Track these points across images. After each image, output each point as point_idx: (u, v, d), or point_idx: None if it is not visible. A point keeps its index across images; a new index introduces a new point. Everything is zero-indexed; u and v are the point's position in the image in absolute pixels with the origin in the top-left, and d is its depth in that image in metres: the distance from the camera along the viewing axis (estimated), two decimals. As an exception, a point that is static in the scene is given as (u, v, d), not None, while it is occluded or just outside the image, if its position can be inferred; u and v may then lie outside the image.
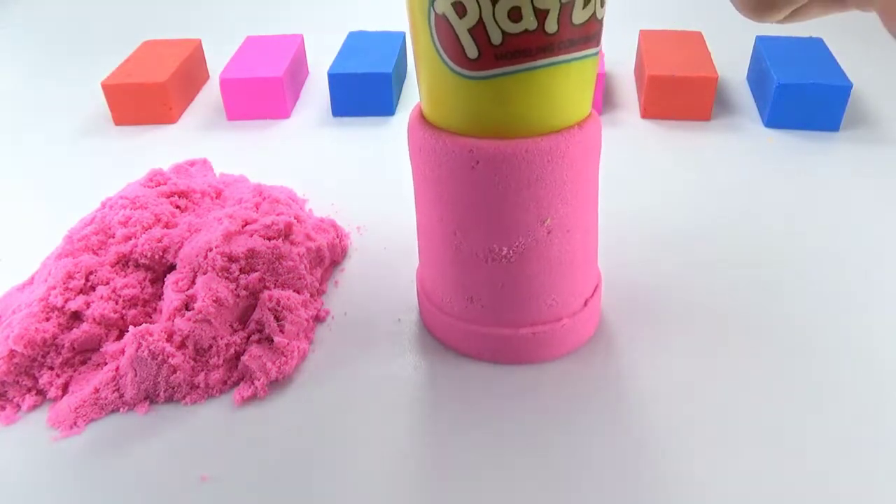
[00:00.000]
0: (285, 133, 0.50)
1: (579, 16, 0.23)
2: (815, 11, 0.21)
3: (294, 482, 0.26)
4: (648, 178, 0.44)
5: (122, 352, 0.30)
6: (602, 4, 0.24)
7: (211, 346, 0.30)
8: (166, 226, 0.34)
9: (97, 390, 0.29)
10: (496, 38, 0.23)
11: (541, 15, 0.23)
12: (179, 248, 0.33)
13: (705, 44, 0.53)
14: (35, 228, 0.40)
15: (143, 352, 0.29)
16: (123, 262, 0.32)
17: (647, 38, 0.54)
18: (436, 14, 0.23)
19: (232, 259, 0.32)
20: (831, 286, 0.34)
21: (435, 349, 0.31)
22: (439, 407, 0.29)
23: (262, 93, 0.51)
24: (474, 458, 0.27)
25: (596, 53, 0.25)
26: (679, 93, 0.49)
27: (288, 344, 0.30)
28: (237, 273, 0.31)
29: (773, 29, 0.49)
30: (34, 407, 0.29)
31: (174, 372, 0.29)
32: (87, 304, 0.31)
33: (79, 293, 0.31)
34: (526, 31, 0.23)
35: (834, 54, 0.50)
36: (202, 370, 0.30)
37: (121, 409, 0.29)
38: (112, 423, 0.28)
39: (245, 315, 0.31)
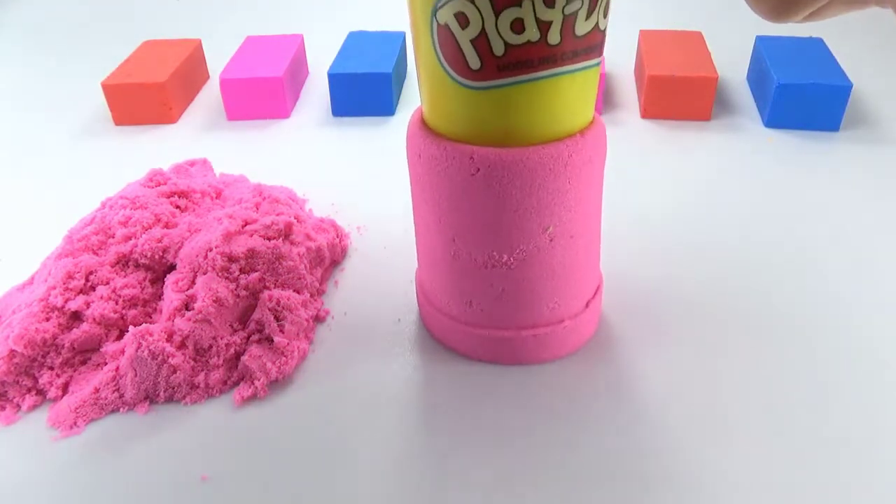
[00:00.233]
0: (285, 133, 0.50)
1: (582, 27, 0.23)
2: (836, 10, 0.20)
3: (294, 482, 0.26)
4: (648, 178, 0.44)
5: (122, 352, 0.30)
6: (605, 15, 0.24)
7: (211, 346, 0.30)
8: (166, 226, 0.34)
9: (97, 390, 0.29)
10: (499, 49, 0.23)
11: (543, 26, 0.22)
12: (179, 248, 0.33)
13: (705, 44, 0.53)
14: (35, 228, 0.40)
15: (143, 352, 0.29)
16: (123, 262, 0.32)
17: (647, 38, 0.54)
18: (438, 24, 0.23)
19: (232, 259, 0.32)
20: (831, 286, 0.34)
21: (435, 349, 0.31)
22: (439, 407, 0.29)
23: (262, 93, 0.51)
24: (474, 458, 0.27)
25: (598, 63, 0.25)
26: (679, 93, 0.49)
27: (288, 344, 0.30)
28: (237, 273, 0.31)
29: (773, 29, 0.49)
30: (34, 407, 0.29)
31: (174, 372, 0.29)
32: (87, 304, 0.31)
33: (79, 293, 0.31)
34: (528, 42, 0.23)
35: (834, 54, 0.50)
36: (202, 370, 0.30)
37: (121, 409, 0.29)
38: (112, 423, 0.28)
39: (245, 315, 0.31)
